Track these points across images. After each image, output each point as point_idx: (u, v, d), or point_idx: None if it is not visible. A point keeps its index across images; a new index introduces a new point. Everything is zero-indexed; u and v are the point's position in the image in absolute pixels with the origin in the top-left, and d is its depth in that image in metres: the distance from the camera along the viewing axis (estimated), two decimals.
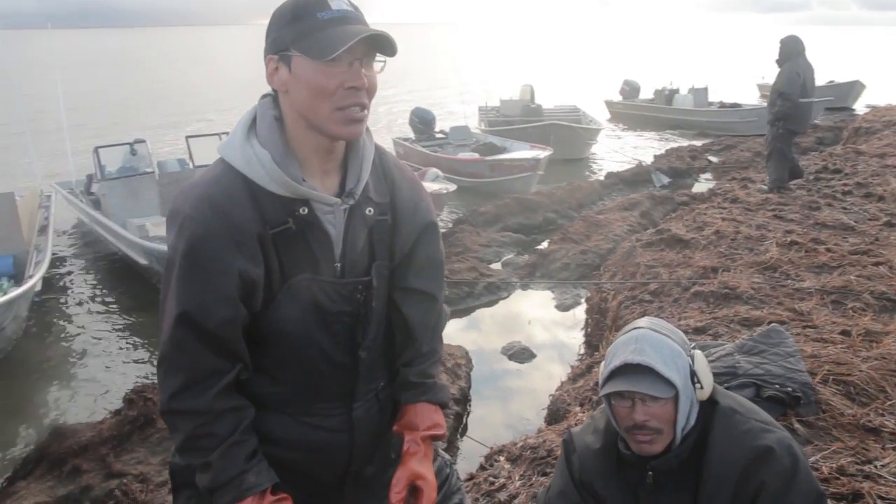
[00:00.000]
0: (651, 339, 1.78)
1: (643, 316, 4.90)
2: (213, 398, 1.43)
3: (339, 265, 1.51)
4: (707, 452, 1.78)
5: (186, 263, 1.39)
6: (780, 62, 8.07)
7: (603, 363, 1.86)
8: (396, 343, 1.68)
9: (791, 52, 8.01)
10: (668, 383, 1.73)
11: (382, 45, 1.39)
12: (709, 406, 1.84)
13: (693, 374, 1.79)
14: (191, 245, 1.38)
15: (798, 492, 1.70)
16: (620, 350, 1.79)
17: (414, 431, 1.62)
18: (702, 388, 1.80)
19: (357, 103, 1.40)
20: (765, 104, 20.37)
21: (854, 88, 21.22)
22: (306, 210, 1.44)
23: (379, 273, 1.57)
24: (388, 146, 15.07)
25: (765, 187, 8.34)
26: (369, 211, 1.54)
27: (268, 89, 1.50)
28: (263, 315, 1.46)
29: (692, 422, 1.81)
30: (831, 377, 3.39)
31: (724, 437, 1.78)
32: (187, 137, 9.94)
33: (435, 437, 1.65)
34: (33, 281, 6.70)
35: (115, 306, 8.17)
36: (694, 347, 1.87)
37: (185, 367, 1.43)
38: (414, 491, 1.57)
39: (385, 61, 1.45)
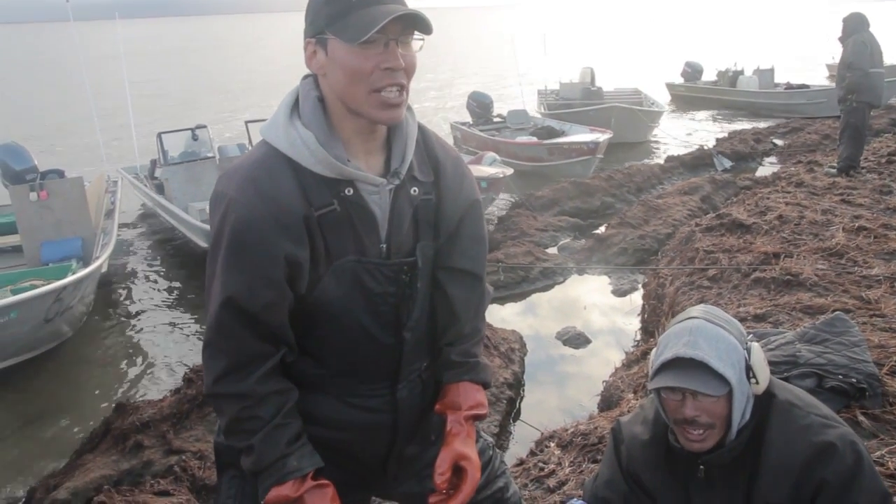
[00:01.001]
0: (706, 332, 1.70)
1: (701, 302, 4.80)
2: (257, 382, 1.44)
3: (384, 246, 1.49)
4: (764, 448, 1.70)
5: (232, 247, 1.39)
6: (843, 39, 7.77)
7: (654, 351, 1.80)
8: (439, 323, 1.66)
9: (855, 27, 7.70)
10: (722, 380, 1.65)
11: (417, 23, 1.37)
12: (765, 399, 1.76)
13: (749, 368, 1.70)
14: (236, 229, 1.38)
15: (862, 491, 1.61)
16: (673, 341, 1.72)
17: (457, 411, 1.61)
18: (757, 383, 1.71)
19: (394, 84, 1.38)
20: (834, 85, 19.67)
21: None
22: (351, 191, 1.43)
23: (424, 253, 1.56)
24: (446, 130, 15.07)
25: (833, 169, 8.03)
26: (414, 191, 1.52)
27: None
28: (309, 297, 1.46)
29: (747, 416, 1.73)
30: None
31: (782, 432, 1.70)
32: (247, 122, 10.11)
33: (477, 417, 1.63)
34: (99, 262, 6.92)
35: (176, 288, 8.39)
36: (751, 339, 1.78)
37: (229, 350, 1.44)
38: (458, 471, 1.56)
39: (423, 39, 1.43)
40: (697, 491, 1.80)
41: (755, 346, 1.75)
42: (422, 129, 1.62)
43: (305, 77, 1.49)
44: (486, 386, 1.69)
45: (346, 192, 1.43)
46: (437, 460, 1.56)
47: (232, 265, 1.40)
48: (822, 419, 1.70)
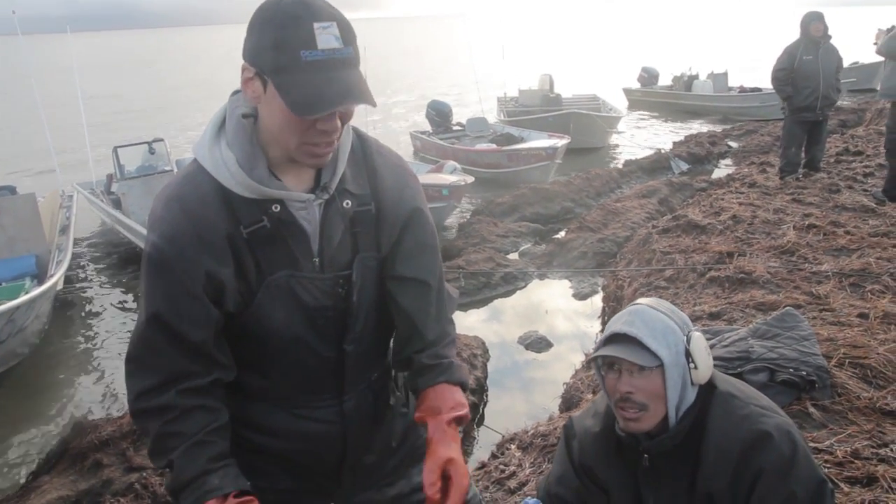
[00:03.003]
0: (645, 314, 1.78)
1: None
2: (178, 394, 1.41)
3: (317, 260, 1.48)
4: (704, 437, 1.74)
5: (155, 264, 1.39)
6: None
7: None
8: (401, 334, 1.64)
9: None
10: (653, 355, 1.71)
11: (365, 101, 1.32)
12: (706, 390, 1.81)
13: (687, 352, 1.76)
14: (160, 246, 1.38)
15: (797, 478, 1.66)
16: (614, 322, 1.80)
17: (437, 416, 1.54)
18: (696, 368, 1.76)
19: (327, 142, 1.36)
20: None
21: (879, 70, 20.81)
22: (279, 208, 1.41)
23: (362, 265, 1.53)
24: (406, 140, 15.09)
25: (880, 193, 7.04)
26: (346, 204, 1.50)
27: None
28: (245, 315, 1.45)
29: (687, 402, 1.78)
30: (847, 360, 3.35)
31: (721, 421, 1.74)
32: None
33: (459, 419, 1.56)
34: (54, 280, 6.79)
35: (134, 304, 8.26)
36: (696, 329, 1.83)
37: (154, 367, 1.42)
38: (444, 478, 1.49)
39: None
40: (644, 480, 1.84)
41: (696, 334, 1.80)
42: (362, 138, 1.59)
43: (234, 93, 1.46)
44: (463, 386, 1.62)
45: (274, 209, 1.41)
46: (424, 472, 1.48)
47: (156, 282, 1.40)
48: (760, 409, 1.75)
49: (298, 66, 1.26)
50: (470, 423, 4.85)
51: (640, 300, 1.88)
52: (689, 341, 1.77)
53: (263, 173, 1.39)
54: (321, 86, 1.26)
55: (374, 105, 1.33)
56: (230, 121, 1.42)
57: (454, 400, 1.56)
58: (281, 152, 1.40)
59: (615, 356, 1.73)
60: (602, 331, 5.99)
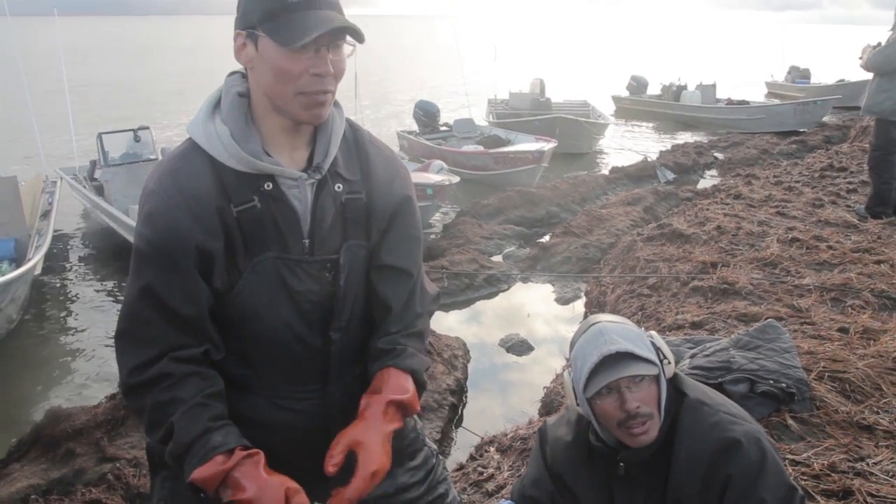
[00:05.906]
0: (614, 329, 1.75)
1: (641, 310, 4.90)
2: (173, 361, 1.39)
3: (307, 241, 1.48)
4: (675, 445, 1.75)
5: (146, 238, 1.39)
6: None
7: (571, 369, 1.81)
8: (375, 321, 1.62)
9: None
10: (648, 361, 1.71)
11: (350, 32, 1.37)
12: (677, 398, 1.81)
13: (657, 349, 1.77)
14: (151, 219, 1.38)
15: (766, 485, 1.66)
16: (589, 348, 1.74)
17: (375, 395, 1.50)
18: (669, 363, 1.78)
19: (321, 90, 1.38)
20: (774, 101, 20.25)
21: (866, 88, 20.96)
22: (271, 185, 1.43)
23: (350, 252, 1.54)
24: (393, 139, 15.05)
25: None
26: (338, 187, 1.52)
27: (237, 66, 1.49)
28: (231, 296, 1.44)
29: (665, 400, 1.79)
30: (827, 374, 3.37)
31: (691, 429, 1.75)
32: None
33: (400, 404, 1.50)
34: (31, 263, 6.70)
35: (113, 291, 8.18)
36: (647, 329, 1.86)
37: (146, 341, 1.41)
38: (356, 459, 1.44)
39: (355, 45, 1.43)
40: (619, 489, 1.84)
41: (653, 333, 1.83)
42: (354, 128, 1.61)
43: (231, 74, 1.50)
44: (415, 375, 1.56)
45: (266, 186, 1.43)
46: (331, 444, 1.45)
47: (146, 255, 1.40)
48: (729, 417, 1.75)
49: (284, 8, 1.33)
50: (448, 424, 4.83)
51: (590, 319, 1.84)
52: (653, 339, 1.79)
53: (257, 148, 1.41)
54: (307, 19, 1.32)
55: (361, 39, 1.39)
56: (226, 98, 1.46)
57: (398, 385, 1.52)
58: (277, 125, 1.44)
59: (621, 377, 1.69)
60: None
